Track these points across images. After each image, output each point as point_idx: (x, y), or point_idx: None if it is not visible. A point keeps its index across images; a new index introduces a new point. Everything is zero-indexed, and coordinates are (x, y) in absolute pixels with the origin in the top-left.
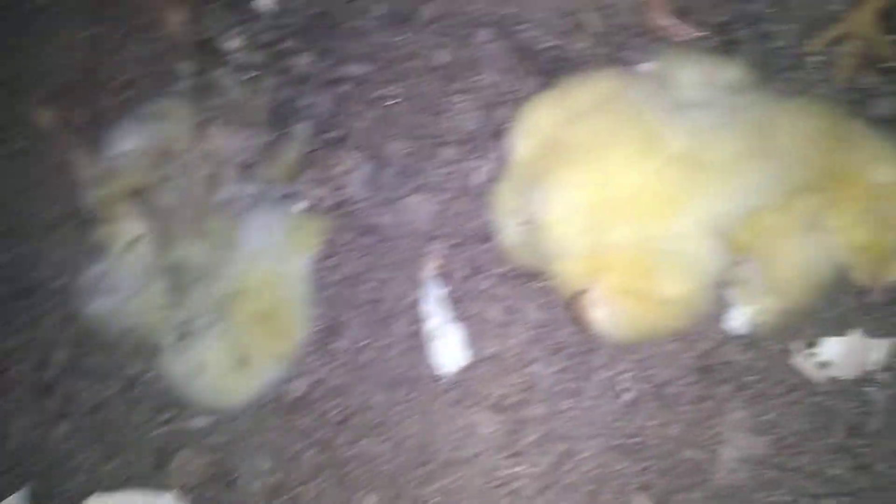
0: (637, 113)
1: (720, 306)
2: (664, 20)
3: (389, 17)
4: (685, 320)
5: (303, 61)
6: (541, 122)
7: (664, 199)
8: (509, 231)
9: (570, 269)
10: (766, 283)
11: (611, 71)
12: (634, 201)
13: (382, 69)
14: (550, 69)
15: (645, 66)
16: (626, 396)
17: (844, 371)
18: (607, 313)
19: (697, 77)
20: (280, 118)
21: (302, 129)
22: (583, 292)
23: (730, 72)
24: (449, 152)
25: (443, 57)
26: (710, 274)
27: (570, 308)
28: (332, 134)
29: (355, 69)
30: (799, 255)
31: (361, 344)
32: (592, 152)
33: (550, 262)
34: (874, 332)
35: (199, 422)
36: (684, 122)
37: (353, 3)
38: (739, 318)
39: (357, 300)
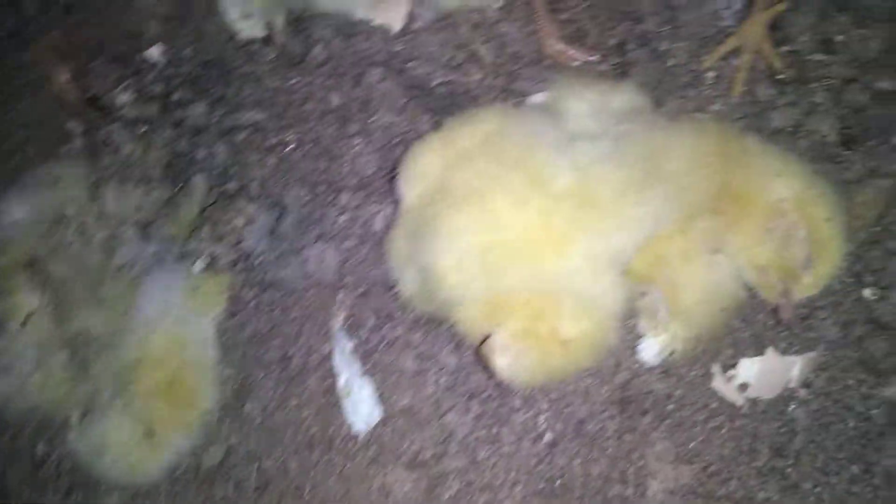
0: (524, 150)
1: (633, 337)
2: (557, 47)
3: (281, 61)
4: (591, 358)
5: (196, 111)
6: (427, 166)
7: (554, 238)
8: (408, 280)
9: (469, 317)
10: (672, 310)
11: (499, 106)
12: (525, 242)
13: (277, 115)
14: (445, 105)
15: (537, 98)
16: (547, 437)
17: (764, 391)
18: (510, 359)
19: (589, 105)
20: (176, 172)
21: (199, 182)
22: (485, 339)
23: (624, 96)
24: (347, 198)
25: (336, 99)
26: (611, 308)
27: (477, 355)
28: (230, 185)
29: (250, 116)
30: (702, 280)
31: (274, 405)
32: (479, 195)
33: (450, 309)
34: (789, 349)
35: (112, 500)
36: (572, 155)
37: (243, 48)
38: (651, 349)
39: (266, 359)
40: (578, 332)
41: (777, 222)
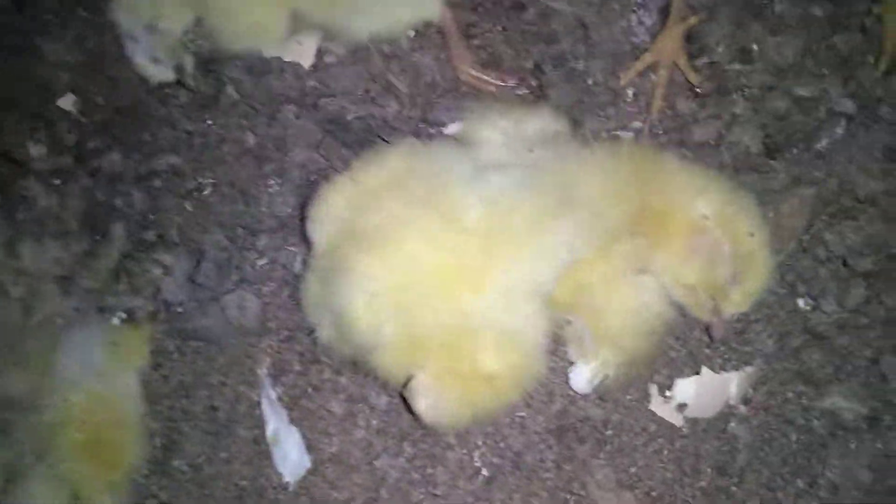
0: (432, 186)
1: (565, 365)
2: (472, 73)
3: (193, 102)
4: (519, 391)
5: (112, 159)
6: (335, 209)
7: (468, 274)
8: (324, 325)
9: (388, 361)
10: (600, 336)
11: (407, 142)
12: (437, 281)
13: (194, 158)
14: (362, 139)
15: (452, 128)
16: (484, 474)
17: (703, 410)
18: (433, 401)
19: (503, 133)
20: (94, 223)
21: (118, 232)
22: (407, 381)
23: (539, 121)
24: (265, 241)
25: (252, 139)
26: (535, 339)
27: (402, 398)
28: (149, 234)
29: (166, 161)
30: (628, 304)
31: (203, 458)
32: (388, 235)
33: (368, 354)
34: (727, 365)
35: None
36: (483, 187)
37: (156, 92)
38: (582, 376)
39: (193, 411)
40: (502, 367)
41: (700, 240)
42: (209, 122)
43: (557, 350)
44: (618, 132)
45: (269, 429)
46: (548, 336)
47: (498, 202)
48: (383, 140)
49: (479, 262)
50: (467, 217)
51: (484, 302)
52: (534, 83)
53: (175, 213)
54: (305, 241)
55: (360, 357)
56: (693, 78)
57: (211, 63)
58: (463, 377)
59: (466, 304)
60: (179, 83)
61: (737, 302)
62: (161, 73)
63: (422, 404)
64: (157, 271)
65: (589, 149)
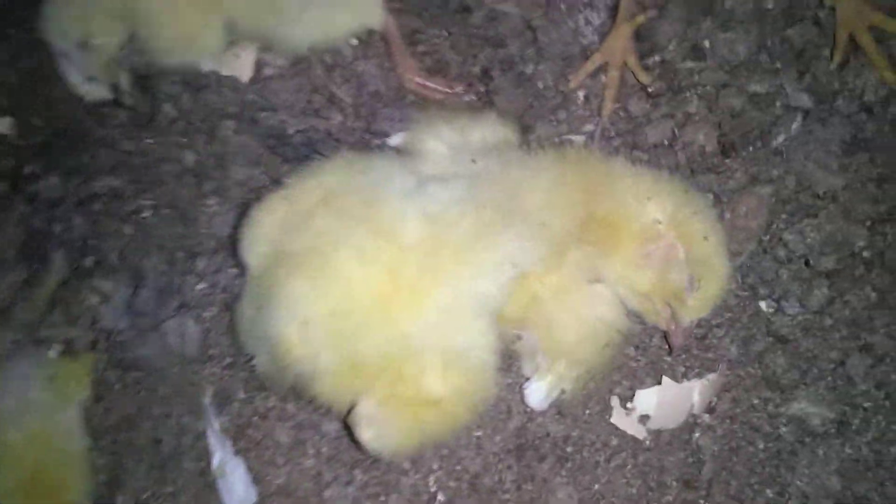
0: (367, 202)
1: (521, 381)
2: (417, 81)
3: (132, 121)
4: (469, 413)
5: (50, 183)
6: (267, 229)
7: (406, 294)
8: (260, 354)
9: (328, 390)
10: (553, 350)
11: (343, 156)
12: (374, 303)
13: (133, 179)
14: (303, 154)
15: (395, 139)
16: (440, 499)
17: (667, 421)
18: (377, 429)
19: (448, 143)
20: (33, 251)
21: (58, 260)
22: (350, 411)
23: (485, 129)
24: (205, 264)
25: (191, 157)
26: (484, 358)
27: (346, 427)
28: (87, 260)
29: (106, 183)
30: (581, 316)
31: (147, 494)
32: (321, 256)
33: (307, 383)
34: (689, 373)
35: None
36: (423, 201)
37: (93, 112)
38: (537, 392)
39: (137, 444)
40: (449, 390)
41: (653, 246)
42: (148, 140)
43: (513, 366)
44: (570, 136)
45: (215, 461)
46: (499, 353)
47: (438, 217)
48: (321, 155)
49: (419, 280)
50: (405, 234)
51: (425, 323)
52: (482, 89)
53: (115, 238)
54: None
55: (300, 387)
56: (643, 78)
57: (147, 80)
58: (408, 403)
59: (406, 325)
60: (116, 102)
61: (695, 308)
62: (97, 92)
63: (366, 433)
64: (95, 299)
65: (535, 156)
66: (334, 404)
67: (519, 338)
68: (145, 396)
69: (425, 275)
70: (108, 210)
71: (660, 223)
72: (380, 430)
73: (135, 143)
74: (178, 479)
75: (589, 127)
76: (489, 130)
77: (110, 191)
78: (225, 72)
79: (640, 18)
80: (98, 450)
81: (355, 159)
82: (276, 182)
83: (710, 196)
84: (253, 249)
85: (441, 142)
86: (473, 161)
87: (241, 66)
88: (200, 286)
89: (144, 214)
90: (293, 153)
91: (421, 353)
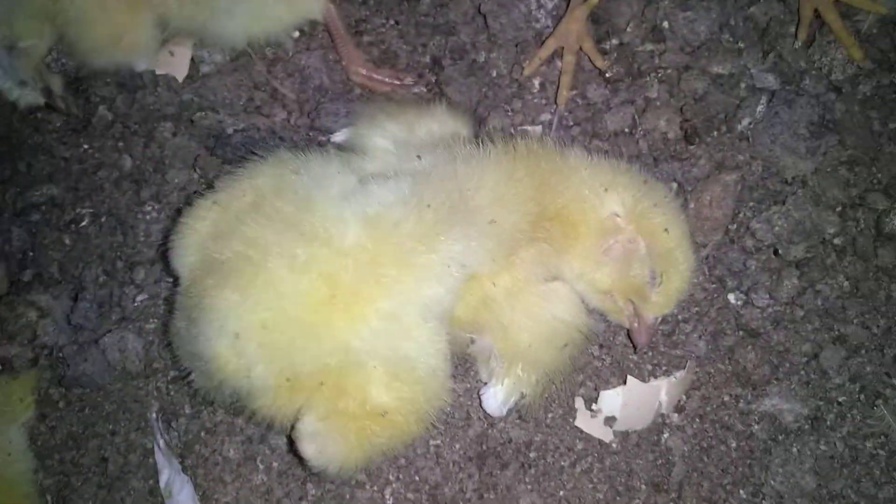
0: (302, 206)
1: (480, 386)
2: (363, 73)
3: (67, 127)
4: (419, 423)
5: None
6: (197, 235)
7: (345, 302)
8: (196, 369)
9: (266, 406)
10: (509, 353)
11: (282, 154)
12: (309, 312)
13: (71, 187)
14: (243, 155)
15: (339, 136)
16: None
17: (633, 422)
18: (320, 445)
19: (393, 138)
20: None
21: None
22: (291, 427)
23: (432, 123)
24: (144, 274)
25: (129, 162)
26: (434, 365)
27: (291, 444)
28: (26, 274)
29: (44, 192)
30: (535, 316)
31: None
32: (251, 264)
33: (244, 399)
34: (657, 370)
35: None
36: (363, 202)
37: (27, 119)
38: (494, 397)
39: (83, 463)
40: (396, 401)
41: (612, 241)
42: (85, 146)
43: (471, 370)
44: (525, 126)
45: (162, 480)
46: (453, 358)
47: (379, 218)
48: (261, 155)
49: (358, 287)
50: (343, 238)
51: (366, 331)
52: (432, 79)
53: (54, 250)
54: None
55: (239, 403)
56: (599, 62)
57: (80, 82)
58: (353, 416)
59: (346, 335)
60: (50, 106)
61: (659, 304)
62: (29, 97)
63: (308, 449)
64: (34, 314)
65: (484, 150)
66: (276, 420)
67: (472, 341)
68: (90, 414)
69: (365, 281)
70: (46, 220)
71: (618, 216)
72: (323, 445)
73: (71, 150)
74: (126, 499)
75: (546, 116)
76: (437, 124)
77: (48, 200)
78: (160, 71)
79: (594, 0)
80: (44, 470)
81: (289, 159)
82: (212, 188)
83: (674, 185)
84: (183, 258)
85: (386, 138)
86: (419, 157)
87: (176, 64)
88: (140, 297)
89: (83, 223)
90: (233, 154)
91: (363, 363)
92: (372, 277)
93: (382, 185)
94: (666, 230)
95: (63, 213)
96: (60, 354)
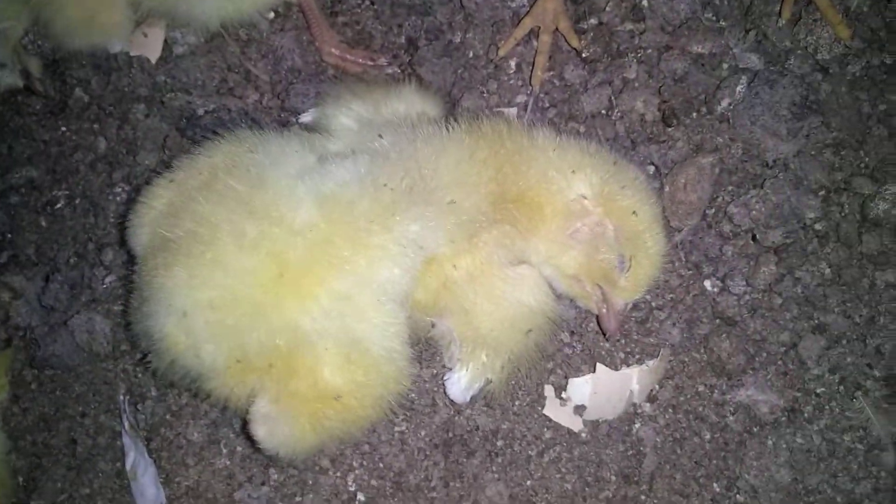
0: (254, 184)
1: (444, 372)
2: (336, 54)
3: (45, 109)
4: (375, 410)
5: None
6: (152, 213)
7: (295, 281)
8: (152, 350)
9: (218, 388)
10: (472, 338)
11: (241, 133)
12: (259, 292)
13: (49, 169)
14: (212, 136)
15: (306, 116)
16: (360, 499)
17: (604, 412)
18: (271, 428)
19: (357, 117)
20: None
21: None
22: (245, 410)
23: (399, 103)
24: (112, 256)
25: (104, 144)
26: (391, 348)
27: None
28: (3, 256)
29: (24, 174)
30: (501, 300)
31: (63, 497)
32: (201, 242)
33: (195, 380)
34: (628, 360)
35: None
36: (318, 181)
37: (7, 100)
38: (458, 383)
39: (54, 445)
40: (349, 384)
41: (579, 224)
42: (63, 128)
43: (437, 356)
44: (501, 108)
45: (129, 461)
46: (417, 342)
47: (334, 197)
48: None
49: (309, 267)
50: (296, 216)
51: (318, 312)
52: (406, 60)
53: (31, 231)
54: None
55: (192, 384)
56: (575, 43)
57: (56, 64)
58: (304, 399)
59: (296, 315)
60: (28, 89)
61: (628, 290)
62: (8, 79)
63: (259, 431)
64: (7, 296)
65: (446, 130)
66: (231, 401)
67: (432, 325)
68: (61, 395)
69: (317, 261)
70: (25, 202)
71: (585, 198)
72: (274, 427)
73: (50, 132)
74: (94, 480)
75: (521, 97)
76: (404, 104)
77: (28, 182)
78: (134, 52)
79: None
80: (17, 451)
81: (247, 137)
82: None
83: (651, 168)
84: (138, 237)
85: (350, 117)
86: (380, 136)
87: (150, 45)
88: (109, 279)
89: (59, 206)
90: (202, 135)
91: (314, 344)
92: (324, 257)
93: (339, 163)
94: (635, 213)
95: (41, 195)
96: (33, 336)
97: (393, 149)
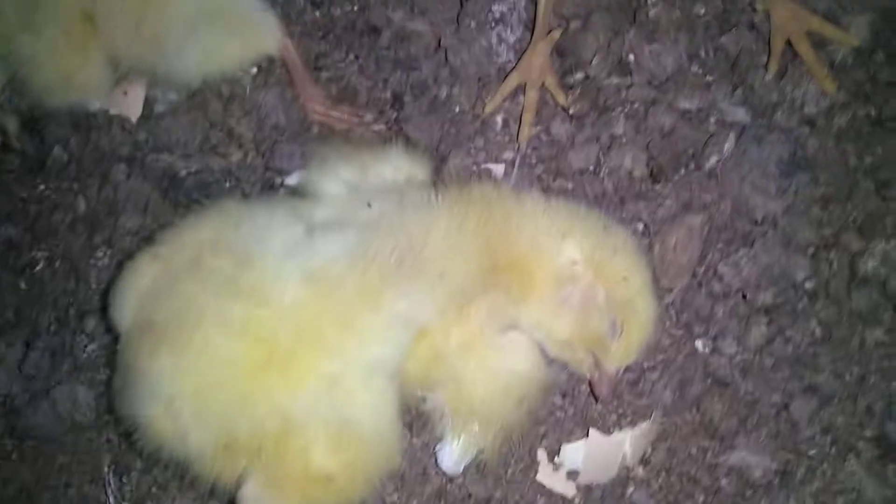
0: (243, 260)
1: (436, 440)
2: (321, 111)
3: (24, 167)
4: (366, 487)
5: None
6: (136, 291)
7: (283, 364)
8: (138, 431)
9: (207, 471)
10: (464, 409)
11: (227, 203)
12: (246, 376)
13: (28, 228)
14: (196, 198)
15: (293, 178)
16: None
17: (597, 476)
18: None
19: (347, 182)
20: None
21: None
22: (234, 491)
23: (388, 165)
24: (94, 324)
25: (84, 204)
26: (378, 427)
27: None
28: None
29: (2, 233)
30: (489, 370)
31: None
32: (186, 328)
33: (183, 463)
34: (620, 422)
35: None
36: (307, 255)
37: None
38: (451, 454)
39: None
40: (341, 465)
41: (570, 289)
42: (41, 186)
43: (427, 424)
44: (488, 165)
45: None
46: (408, 413)
47: (323, 272)
48: (209, 199)
49: (297, 349)
50: (283, 296)
51: (307, 395)
52: (393, 116)
53: (10, 293)
54: None
55: (181, 468)
56: (561, 99)
57: (35, 122)
58: (296, 481)
59: (284, 399)
60: (6, 146)
61: (620, 355)
62: None
63: None
64: None
65: (437, 197)
66: (217, 486)
67: (423, 400)
68: (44, 466)
69: (304, 342)
70: (4, 262)
71: (576, 264)
72: None
73: (29, 190)
74: None
75: (509, 154)
76: (392, 168)
77: (6, 241)
78: (114, 111)
79: (556, 34)
80: None
81: (233, 209)
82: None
83: (640, 226)
84: (121, 316)
85: (338, 182)
86: (369, 205)
87: (130, 103)
88: (91, 347)
89: (38, 267)
90: (186, 197)
91: (304, 427)
92: (312, 339)
93: (327, 236)
94: (625, 278)
95: (20, 255)
96: (13, 405)
97: (382, 219)
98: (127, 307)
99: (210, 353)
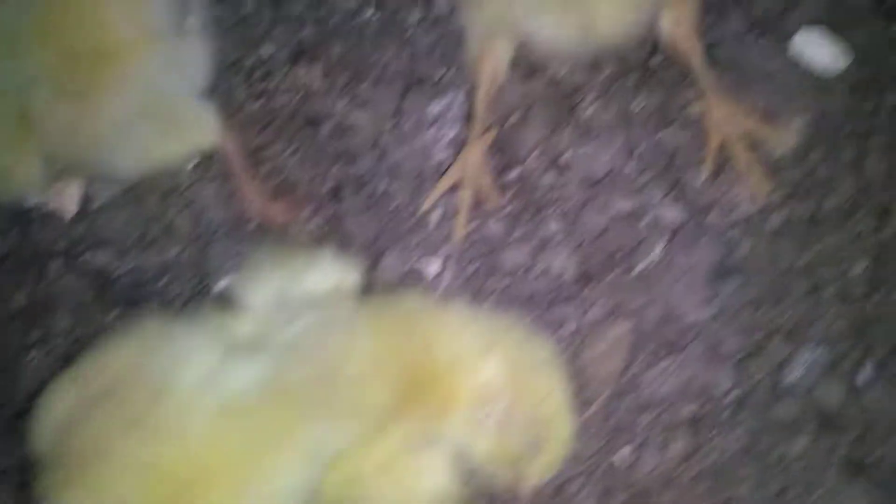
0: (158, 390)
1: None
2: (257, 205)
3: None
4: None
5: None
6: (55, 418)
7: (190, 500)
8: None
9: None
10: None
11: (152, 321)
12: None
13: None
14: (133, 297)
15: (222, 284)
16: None
17: None
18: None
19: (276, 290)
20: None
21: None
22: None
23: (318, 273)
24: (25, 425)
25: (22, 299)
26: None
27: None
28: None
29: None
30: (412, 488)
31: None
32: (91, 466)
33: None
34: None
35: None
36: (219, 386)
37: None
38: None
39: None
40: None
41: (489, 408)
42: None
43: None
44: (422, 262)
45: None
46: None
47: (234, 405)
48: (133, 303)
49: (204, 487)
50: (191, 432)
51: None
52: (331, 211)
53: None
54: None
55: None
56: (494, 201)
57: None
58: None
59: None
60: None
61: (539, 472)
62: None
63: None
64: None
65: (359, 311)
66: None
67: None
68: None
69: (213, 479)
70: None
71: (496, 381)
72: None
73: None
74: None
75: (444, 250)
76: (322, 275)
77: None
78: (51, 206)
79: (491, 134)
80: None
81: (154, 331)
82: (100, 333)
83: (567, 331)
84: (39, 444)
85: (266, 291)
86: (290, 323)
87: (67, 199)
88: (21, 452)
89: None
90: (120, 297)
91: None
92: (222, 477)
93: (243, 363)
94: (547, 396)
95: None
96: None
97: (302, 339)
98: (44, 436)
99: (117, 493)
